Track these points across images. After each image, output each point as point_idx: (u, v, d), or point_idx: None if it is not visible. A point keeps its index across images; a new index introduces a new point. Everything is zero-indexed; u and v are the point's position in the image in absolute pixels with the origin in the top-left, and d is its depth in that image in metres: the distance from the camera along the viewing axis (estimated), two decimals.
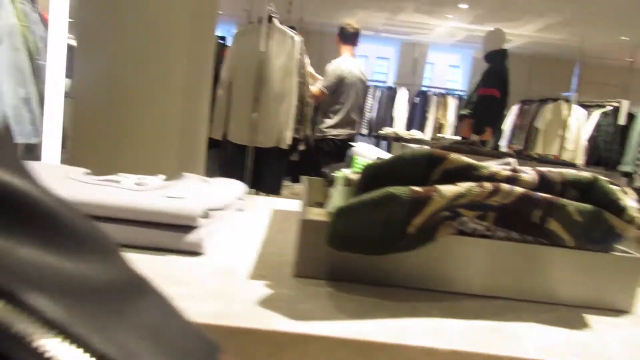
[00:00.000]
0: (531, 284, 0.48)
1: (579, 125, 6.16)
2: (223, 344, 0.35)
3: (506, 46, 4.02)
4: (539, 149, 6.14)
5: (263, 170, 3.15)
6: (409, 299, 0.45)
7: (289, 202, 0.86)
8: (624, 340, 0.42)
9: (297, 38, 2.97)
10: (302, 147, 3.21)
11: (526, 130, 6.40)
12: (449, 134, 6.68)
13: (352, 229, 0.43)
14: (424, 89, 7.43)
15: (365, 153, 0.67)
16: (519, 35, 6.45)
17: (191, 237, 0.50)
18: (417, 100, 7.13)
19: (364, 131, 6.78)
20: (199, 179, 0.68)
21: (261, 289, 0.44)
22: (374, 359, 0.36)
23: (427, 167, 0.46)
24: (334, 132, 3.29)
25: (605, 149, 6.03)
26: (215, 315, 0.37)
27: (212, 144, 3.08)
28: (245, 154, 3.06)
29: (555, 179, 0.48)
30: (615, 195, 0.47)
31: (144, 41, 1.80)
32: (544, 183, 0.48)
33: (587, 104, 6.52)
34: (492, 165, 0.49)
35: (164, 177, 0.69)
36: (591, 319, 0.46)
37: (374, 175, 0.46)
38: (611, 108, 6.10)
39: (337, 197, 0.51)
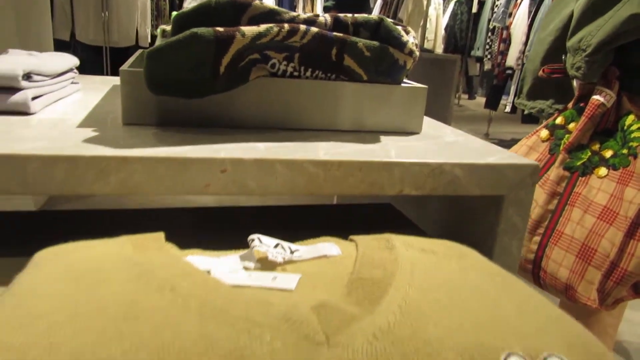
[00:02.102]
0: (337, 116, 0.57)
1: (438, 15, 6.49)
2: (45, 175, 0.39)
3: None
4: None
5: None
6: (232, 133, 0.52)
7: None
8: (402, 147, 0.53)
9: None
10: None
11: None
12: None
13: (165, 71, 0.47)
14: None
15: None
16: None
17: (16, 97, 0.51)
18: None
19: None
20: (25, 53, 0.67)
21: (88, 133, 0.47)
22: (189, 171, 0.42)
23: (233, 14, 0.51)
24: None
25: (461, 37, 6.48)
26: (38, 149, 0.40)
27: (63, 45, 2.82)
28: (100, 55, 2.85)
29: (348, 20, 0.55)
30: (398, 32, 0.55)
31: None
32: (338, 24, 0.55)
33: None
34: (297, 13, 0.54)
35: None
36: (385, 137, 0.57)
37: (184, 23, 0.50)
38: None
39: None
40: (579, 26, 1.06)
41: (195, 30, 0.46)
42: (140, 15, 2.74)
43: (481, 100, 6.85)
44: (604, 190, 1.01)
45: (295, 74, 0.55)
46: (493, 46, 4.93)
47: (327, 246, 0.40)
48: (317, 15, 0.54)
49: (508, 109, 4.55)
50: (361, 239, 0.41)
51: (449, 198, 0.62)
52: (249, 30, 0.48)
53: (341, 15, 0.55)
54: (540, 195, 1.10)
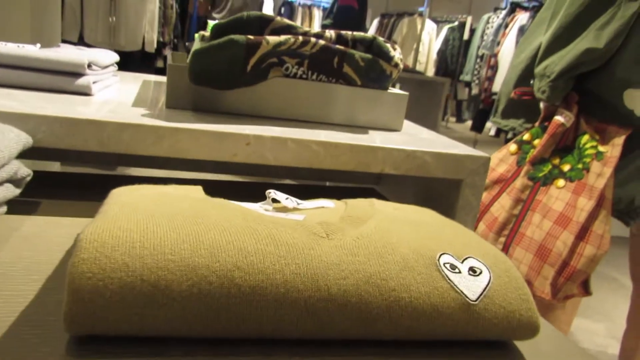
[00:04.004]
0: (335, 112, 0.71)
1: (430, 39, 6.74)
2: (116, 137, 0.52)
3: None
4: None
5: None
6: (252, 119, 0.66)
7: (155, 77, 1.00)
8: (385, 138, 0.67)
9: None
10: (167, 52, 3.19)
11: None
12: None
13: (205, 66, 0.61)
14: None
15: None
16: None
17: (81, 80, 0.65)
18: (283, 10, 7.16)
19: None
20: (74, 47, 0.80)
21: (141, 110, 0.61)
22: (226, 143, 0.56)
23: (259, 26, 0.65)
24: None
25: (452, 62, 6.72)
26: (111, 117, 0.54)
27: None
28: None
29: (348, 36, 0.70)
30: (387, 48, 0.70)
31: None
32: (340, 39, 0.69)
33: (438, 19, 7.11)
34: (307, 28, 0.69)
35: (39, 45, 0.80)
36: (372, 132, 0.71)
37: (221, 30, 0.64)
38: (457, 23, 6.74)
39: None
40: (545, 55, 1.22)
41: (232, 36, 0.59)
42: (148, 22, 2.88)
43: (467, 123, 7.06)
44: (561, 199, 1.16)
45: (304, 76, 0.68)
46: (481, 72, 5.15)
47: (324, 201, 0.53)
48: (324, 31, 0.69)
49: (492, 132, 4.74)
50: (350, 200, 0.54)
51: (419, 182, 0.76)
52: (272, 39, 0.62)
53: (342, 32, 0.70)
54: (506, 201, 1.25)
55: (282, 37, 0.63)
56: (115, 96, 0.70)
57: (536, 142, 1.28)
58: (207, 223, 0.36)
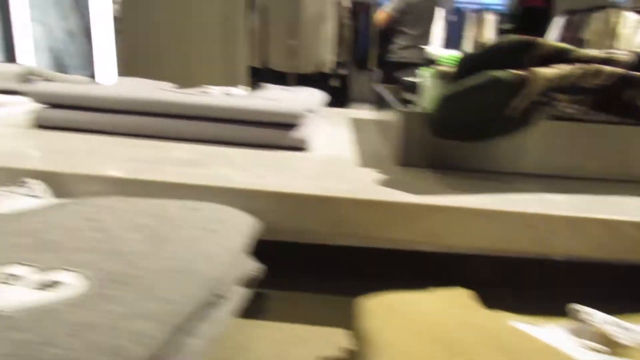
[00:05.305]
0: (630, 165, 0.50)
1: (631, 34, 5.81)
2: (351, 219, 0.39)
3: None
4: None
5: None
6: (508, 180, 0.48)
7: (360, 112, 0.89)
8: None
9: None
10: (343, 72, 3.18)
11: (572, 43, 6.07)
12: None
13: (456, 115, 0.45)
14: (458, 5, 7.05)
15: (441, 52, 0.68)
16: None
17: (295, 133, 0.54)
18: (453, 18, 6.81)
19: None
20: (280, 88, 0.71)
21: (372, 173, 0.48)
22: (492, 223, 0.40)
23: (521, 54, 0.47)
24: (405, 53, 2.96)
25: None
26: (345, 191, 0.41)
27: (252, 72, 3.08)
28: (285, 81, 3.05)
29: None
30: None
31: None
32: None
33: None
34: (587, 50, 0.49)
35: (244, 88, 0.73)
36: None
37: (471, 65, 0.48)
38: None
39: (434, 90, 0.53)
40: None
41: (493, 73, 0.43)
42: (325, 42, 2.89)
43: None
44: None
45: (585, 117, 0.49)
46: None
47: None
48: (611, 53, 0.49)
49: None
50: None
51: None
52: (546, 72, 0.44)
53: None
54: None
55: (566, 69, 0.45)
56: (330, 148, 0.58)
57: None
58: None
